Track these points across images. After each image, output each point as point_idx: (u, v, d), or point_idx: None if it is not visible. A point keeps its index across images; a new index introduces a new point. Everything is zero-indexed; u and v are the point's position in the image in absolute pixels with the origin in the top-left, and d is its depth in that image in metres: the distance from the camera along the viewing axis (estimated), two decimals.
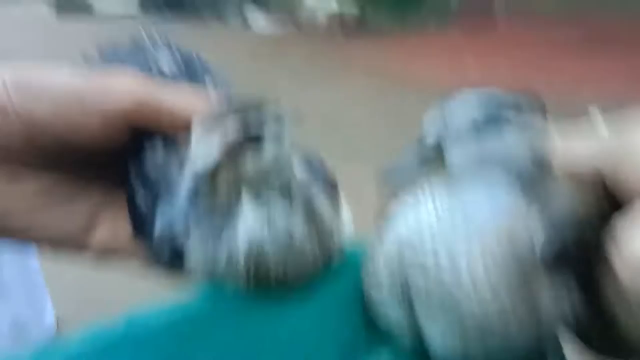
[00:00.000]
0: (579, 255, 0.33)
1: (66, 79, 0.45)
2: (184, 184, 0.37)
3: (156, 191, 0.49)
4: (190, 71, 0.63)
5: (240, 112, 0.35)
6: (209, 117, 0.36)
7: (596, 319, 0.35)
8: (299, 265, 0.42)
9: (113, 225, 0.54)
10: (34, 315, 1.43)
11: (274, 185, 0.40)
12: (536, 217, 0.33)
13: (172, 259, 0.48)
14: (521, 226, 0.33)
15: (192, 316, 0.43)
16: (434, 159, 0.35)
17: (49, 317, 1.48)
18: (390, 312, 0.36)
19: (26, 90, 0.43)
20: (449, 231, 0.33)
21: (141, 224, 0.50)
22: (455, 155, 0.34)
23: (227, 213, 0.37)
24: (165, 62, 0.63)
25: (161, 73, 0.61)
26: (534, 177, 0.34)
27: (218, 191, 0.36)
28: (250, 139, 0.36)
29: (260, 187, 0.39)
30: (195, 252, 0.45)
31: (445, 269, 0.32)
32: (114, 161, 0.52)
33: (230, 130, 0.34)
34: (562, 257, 0.33)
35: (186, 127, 0.46)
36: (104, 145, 0.47)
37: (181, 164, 0.48)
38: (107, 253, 0.53)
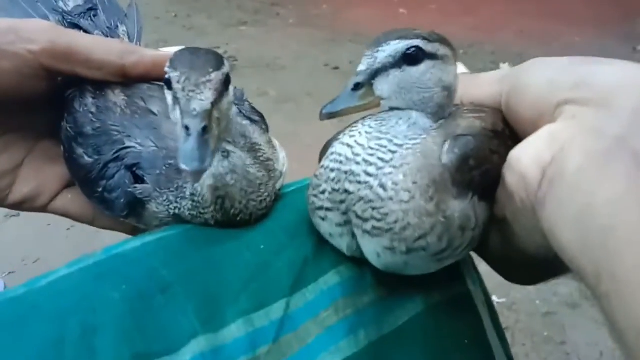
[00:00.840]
0: (477, 165, 0.40)
1: None
2: (177, 129, 0.41)
3: (96, 143, 0.51)
4: (97, 8, 0.65)
5: (219, 69, 0.42)
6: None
7: (494, 224, 0.43)
8: (254, 190, 0.49)
9: (35, 180, 0.55)
10: None
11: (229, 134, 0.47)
12: (443, 134, 0.41)
13: (130, 206, 0.49)
14: (431, 142, 0.40)
15: (165, 242, 0.48)
16: (365, 91, 0.42)
17: None
18: (329, 218, 0.43)
19: None
20: (375, 146, 0.40)
21: (85, 176, 0.52)
22: (380, 85, 0.41)
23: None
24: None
25: (66, 12, 0.63)
26: (442, 104, 0.42)
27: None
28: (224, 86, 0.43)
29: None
30: (162, 196, 0.47)
31: (372, 175, 0.40)
32: (35, 111, 0.52)
33: (217, 83, 0.42)
34: (462, 167, 0.40)
35: (100, 70, 0.48)
36: (21, 91, 0.47)
37: (117, 112, 0.50)
38: (26, 207, 0.55)
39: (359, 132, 0.41)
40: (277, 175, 0.53)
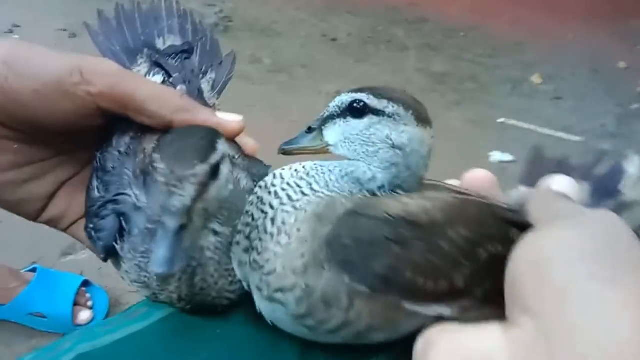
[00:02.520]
0: (358, 251, 0.38)
1: (51, 59, 0.47)
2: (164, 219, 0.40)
3: (109, 181, 0.52)
4: (193, 52, 0.65)
5: (205, 161, 0.40)
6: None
7: None
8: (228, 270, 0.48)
9: (66, 203, 0.57)
10: None
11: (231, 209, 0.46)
12: (366, 204, 0.40)
13: (109, 253, 0.48)
14: (341, 203, 0.40)
15: (137, 342, 0.47)
16: (316, 135, 0.44)
17: None
18: (239, 238, 0.43)
19: (14, 68, 0.45)
20: (293, 184, 0.41)
21: (89, 208, 0.53)
22: (327, 131, 0.43)
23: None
24: (172, 32, 0.65)
25: (157, 49, 0.63)
26: (395, 164, 0.40)
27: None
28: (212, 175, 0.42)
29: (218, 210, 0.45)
30: (134, 260, 0.46)
31: (274, 208, 0.40)
32: (86, 140, 0.54)
33: (201, 177, 0.40)
34: (337, 245, 0.38)
35: (150, 119, 0.50)
36: (77, 126, 0.50)
37: (139, 158, 0.50)
38: (52, 225, 0.57)
39: (290, 167, 0.42)
40: None
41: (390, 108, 0.40)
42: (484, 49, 3.18)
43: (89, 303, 1.56)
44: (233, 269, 0.47)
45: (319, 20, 3.36)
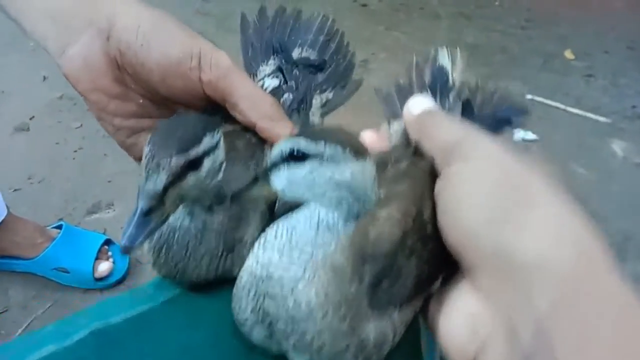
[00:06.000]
0: (392, 284, 0.43)
1: (178, 39, 0.53)
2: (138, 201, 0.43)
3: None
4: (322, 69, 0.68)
5: (183, 152, 0.43)
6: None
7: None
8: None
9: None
10: None
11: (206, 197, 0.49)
12: (351, 247, 0.42)
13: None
14: (340, 255, 0.42)
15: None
16: (262, 181, 0.44)
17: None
18: (255, 331, 0.45)
19: (149, 40, 0.52)
20: (287, 262, 0.42)
21: None
22: (273, 177, 0.43)
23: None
24: (312, 47, 0.70)
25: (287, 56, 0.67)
26: (344, 199, 0.42)
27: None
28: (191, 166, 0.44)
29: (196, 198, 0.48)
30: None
31: (287, 292, 0.42)
32: (198, 111, 0.59)
33: (175, 168, 0.43)
34: (376, 291, 0.42)
35: (242, 116, 0.54)
36: (187, 100, 0.56)
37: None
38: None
39: (272, 247, 0.43)
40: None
41: (327, 150, 0.40)
42: (517, 19, 3.09)
43: (110, 260, 1.63)
44: (208, 252, 0.50)
45: None
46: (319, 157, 0.41)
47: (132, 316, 0.52)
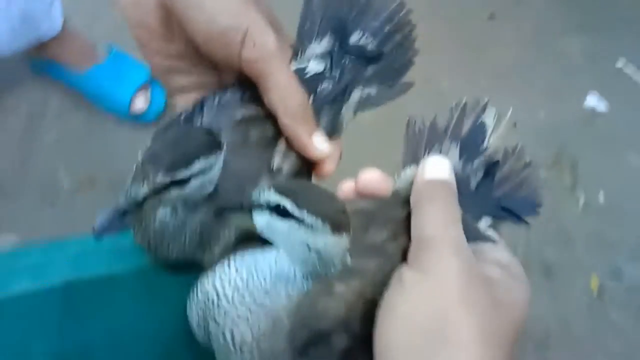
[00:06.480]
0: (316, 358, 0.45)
1: (231, 10, 0.52)
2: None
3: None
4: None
5: (169, 172, 0.45)
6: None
7: None
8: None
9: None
10: (43, 9, 1.45)
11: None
12: (298, 304, 0.45)
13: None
14: (283, 313, 0.45)
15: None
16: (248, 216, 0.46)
17: (57, 13, 1.50)
18: (199, 336, 0.50)
19: (204, 2, 0.52)
20: (237, 301, 0.45)
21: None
22: (255, 216, 0.45)
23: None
24: (374, 36, 0.62)
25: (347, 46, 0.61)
26: (310, 262, 0.44)
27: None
28: (177, 183, 0.46)
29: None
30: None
31: (225, 330, 0.46)
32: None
33: (158, 185, 0.45)
34: (307, 348, 0.45)
35: (269, 104, 0.54)
36: (227, 68, 0.57)
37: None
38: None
39: (229, 280, 0.46)
40: None
41: (308, 219, 0.42)
42: None
43: (148, 96, 1.65)
44: (186, 241, 0.52)
45: None
46: (300, 221, 0.42)
47: (105, 276, 0.56)
